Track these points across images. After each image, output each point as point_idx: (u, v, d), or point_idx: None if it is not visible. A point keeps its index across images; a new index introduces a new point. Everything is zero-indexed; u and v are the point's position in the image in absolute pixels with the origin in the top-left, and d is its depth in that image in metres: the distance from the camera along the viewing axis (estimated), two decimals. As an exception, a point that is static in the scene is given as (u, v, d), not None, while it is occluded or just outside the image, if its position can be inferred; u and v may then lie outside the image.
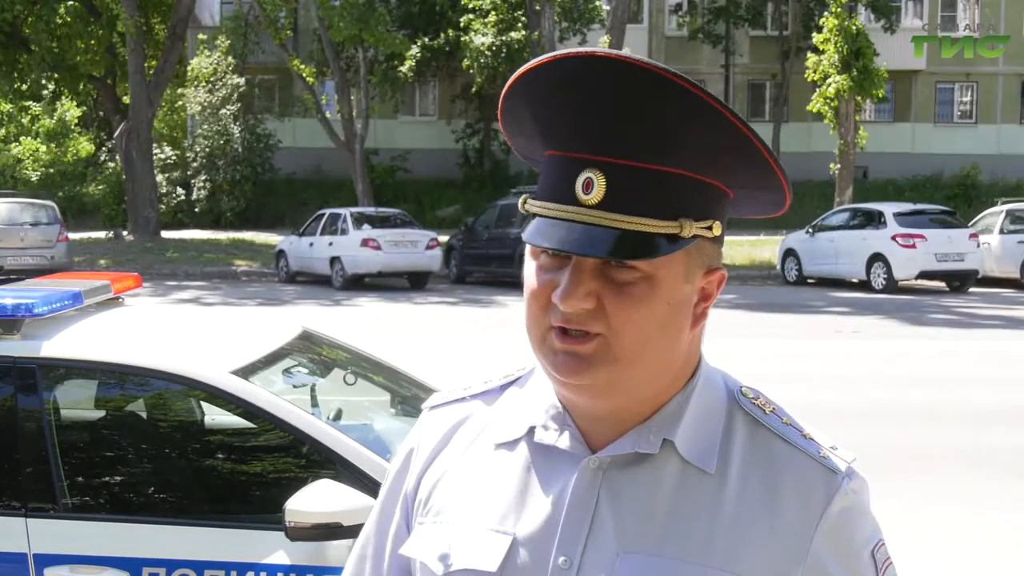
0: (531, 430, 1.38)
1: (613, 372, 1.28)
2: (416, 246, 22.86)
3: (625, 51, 1.26)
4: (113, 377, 3.82)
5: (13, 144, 44.93)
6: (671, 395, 1.35)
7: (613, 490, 1.32)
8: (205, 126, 35.43)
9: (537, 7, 29.44)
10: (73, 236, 26.98)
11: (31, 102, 39.17)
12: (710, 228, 1.29)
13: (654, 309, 1.28)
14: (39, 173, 42.62)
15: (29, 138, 44.83)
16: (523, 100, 1.30)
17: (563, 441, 1.35)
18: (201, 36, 36.69)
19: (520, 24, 30.77)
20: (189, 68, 35.92)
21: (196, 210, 35.44)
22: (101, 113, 42.32)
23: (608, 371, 1.28)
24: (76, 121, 45.49)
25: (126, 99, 32.47)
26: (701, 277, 1.32)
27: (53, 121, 44.38)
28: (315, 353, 4.41)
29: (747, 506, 1.31)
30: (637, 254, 1.25)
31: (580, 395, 1.33)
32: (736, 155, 1.27)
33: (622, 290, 1.27)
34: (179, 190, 35.76)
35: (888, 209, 23.08)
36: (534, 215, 1.30)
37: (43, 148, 43.95)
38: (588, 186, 1.25)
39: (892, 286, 21.93)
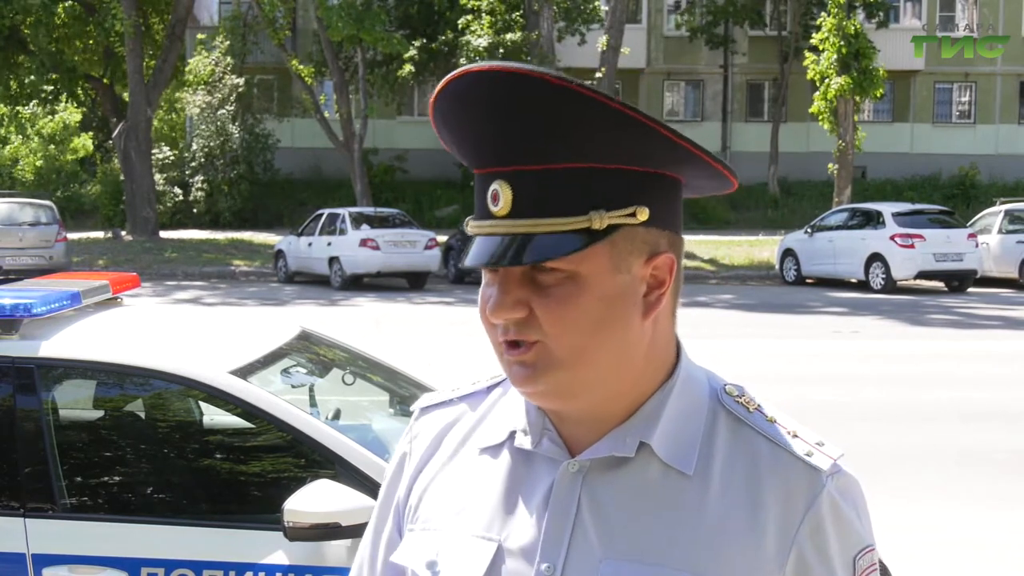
0: (512, 435, 1.38)
1: (560, 376, 1.28)
2: (415, 246, 22.86)
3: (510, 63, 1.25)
4: (112, 377, 3.81)
5: (10, 144, 44.87)
6: (647, 394, 1.33)
7: (594, 494, 1.31)
8: (203, 126, 35.42)
9: (536, 7, 29.45)
10: (72, 236, 26.97)
11: (29, 105, 39.11)
12: (633, 215, 1.26)
13: (584, 306, 1.26)
14: (33, 173, 42.57)
15: (24, 138, 44.74)
16: (439, 129, 1.32)
17: (543, 446, 1.35)
18: (200, 36, 36.68)
19: (517, 25, 30.75)
20: (187, 68, 35.90)
21: (194, 210, 35.42)
22: (100, 113, 42.29)
23: (556, 376, 1.28)
24: (77, 124, 45.43)
25: (126, 96, 32.46)
26: (642, 265, 1.29)
27: (54, 121, 44.31)
28: (314, 353, 4.41)
29: (729, 508, 1.29)
30: (545, 256, 1.24)
31: (541, 402, 1.33)
32: (632, 136, 1.25)
33: (548, 293, 1.26)
34: (177, 190, 35.75)
35: (887, 209, 23.09)
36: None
37: (36, 145, 43.82)
38: (495, 198, 1.26)
39: (891, 286, 21.94)
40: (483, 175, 1.28)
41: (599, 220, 1.24)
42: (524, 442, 1.36)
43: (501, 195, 1.26)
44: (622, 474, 1.31)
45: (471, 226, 1.30)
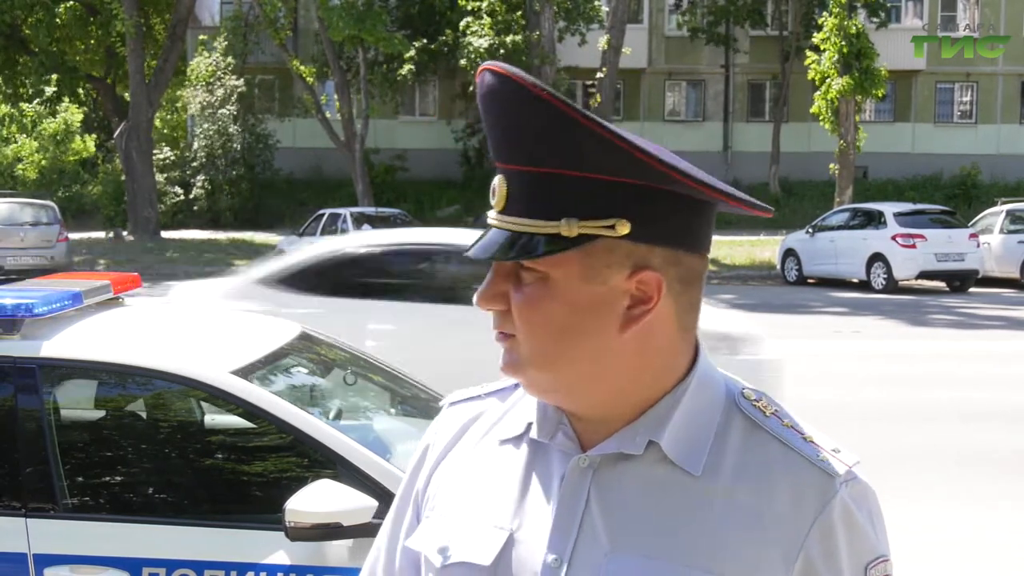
0: (530, 426, 1.40)
1: (533, 373, 1.32)
2: (416, 246, 22.82)
3: (510, 68, 1.27)
4: (113, 377, 3.82)
5: (12, 144, 44.86)
6: (656, 396, 1.33)
7: (602, 489, 1.33)
8: (205, 125, 35.43)
9: (536, 7, 29.44)
10: (73, 236, 26.92)
11: (30, 104, 39.12)
12: (612, 227, 1.26)
13: (548, 310, 1.29)
14: (34, 173, 42.57)
15: (26, 137, 44.73)
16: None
17: (557, 439, 1.37)
18: (201, 36, 36.69)
19: (518, 26, 30.75)
20: (189, 68, 35.91)
21: (195, 209, 35.43)
22: (101, 114, 42.31)
23: (529, 372, 1.32)
24: (78, 124, 45.43)
25: (127, 96, 32.47)
26: (624, 278, 1.28)
27: (56, 122, 44.30)
28: (315, 353, 4.41)
29: (737, 508, 1.29)
30: (518, 255, 1.27)
31: (534, 395, 1.37)
32: (600, 149, 1.24)
33: (521, 291, 1.30)
34: (178, 190, 35.76)
35: (888, 209, 23.08)
36: None
37: (35, 146, 43.80)
38: (493, 193, 1.31)
39: (892, 286, 21.93)
40: (495, 169, 1.33)
41: (568, 228, 1.25)
42: (539, 434, 1.39)
43: (497, 190, 1.30)
44: (631, 471, 1.33)
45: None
